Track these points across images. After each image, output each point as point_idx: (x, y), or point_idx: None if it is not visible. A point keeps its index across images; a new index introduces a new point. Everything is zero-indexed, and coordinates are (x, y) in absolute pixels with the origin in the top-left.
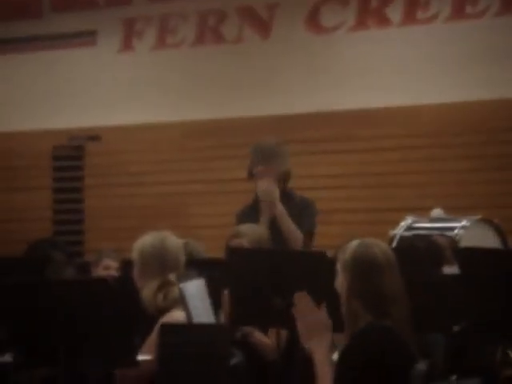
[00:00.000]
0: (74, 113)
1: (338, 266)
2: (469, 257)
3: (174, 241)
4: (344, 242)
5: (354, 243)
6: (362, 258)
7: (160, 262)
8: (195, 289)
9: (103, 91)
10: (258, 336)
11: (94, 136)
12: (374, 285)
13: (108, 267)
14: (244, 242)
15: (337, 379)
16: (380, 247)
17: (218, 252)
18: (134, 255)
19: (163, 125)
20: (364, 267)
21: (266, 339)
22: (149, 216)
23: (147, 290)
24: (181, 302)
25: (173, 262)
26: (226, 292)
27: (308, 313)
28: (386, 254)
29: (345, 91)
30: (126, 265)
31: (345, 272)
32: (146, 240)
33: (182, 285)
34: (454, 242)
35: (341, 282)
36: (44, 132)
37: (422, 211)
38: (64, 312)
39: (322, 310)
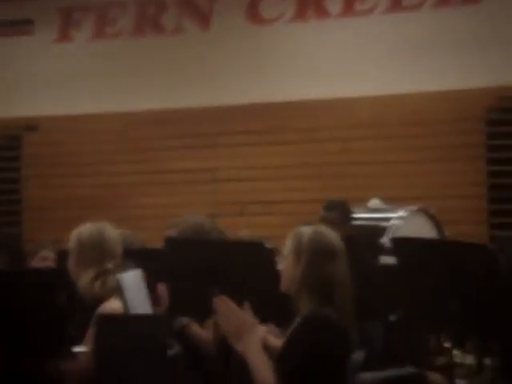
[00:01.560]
0: (11, 102)
1: (287, 252)
2: (404, 246)
3: (111, 230)
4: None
5: (309, 229)
6: (319, 243)
7: (98, 251)
8: (132, 279)
9: (41, 81)
10: (195, 327)
11: (31, 126)
12: (326, 272)
13: (45, 258)
14: (173, 233)
15: (278, 368)
16: (333, 234)
17: (158, 243)
18: (71, 244)
19: (103, 115)
20: (320, 252)
21: (202, 331)
22: (88, 207)
23: (84, 278)
24: (118, 292)
25: (110, 251)
26: (160, 284)
27: (231, 315)
28: (339, 242)
29: (283, 82)
30: (64, 256)
31: (298, 256)
32: (84, 229)
33: (119, 275)
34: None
35: (289, 268)
36: None
37: (361, 202)
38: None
39: (244, 309)
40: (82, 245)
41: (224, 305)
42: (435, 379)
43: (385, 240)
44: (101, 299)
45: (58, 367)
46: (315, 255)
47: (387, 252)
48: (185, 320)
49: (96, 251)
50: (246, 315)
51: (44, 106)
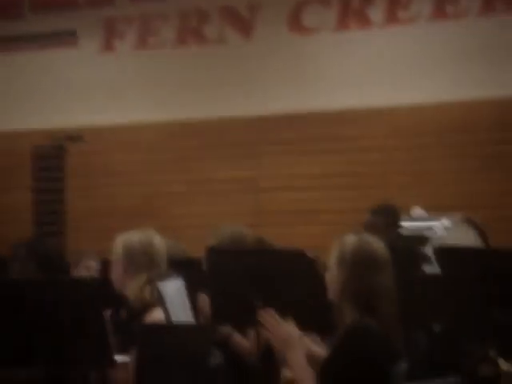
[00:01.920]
0: (55, 113)
1: (332, 261)
2: (448, 256)
3: (159, 238)
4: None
5: (353, 238)
6: (362, 253)
7: (148, 257)
8: (174, 288)
9: (85, 91)
10: (237, 338)
11: (75, 136)
12: (370, 281)
13: (89, 267)
14: (212, 242)
15: (322, 379)
16: (378, 244)
17: (199, 253)
18: (118, 251)
19: (145, 125)
20: (363, 263)
21: (244, 341)
22: (131, 216)
23: (134, 285)
24: (159, 301)
25: (159, 258)
26: (202, 294)
27: (276, 328)
28: (383, 251)
29: (326, 91)
30: (107, 265)
31: (341, 266)
32: (133, 236)
33: (160, 284)
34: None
35: (334, 277)
36: (24, 132)
37: (403, 212)
38: (43, 311)
39: (288, 322)
40: (131, 251)
41: (269, 317)
42: None
43: (428, 249)
44: (150, 306)
45: (101, 376)
46: (358, 265)
47: (431, 261)
48: (227, 330)
49: (146, 257)
50: (290, 327)
51: (88, 116)
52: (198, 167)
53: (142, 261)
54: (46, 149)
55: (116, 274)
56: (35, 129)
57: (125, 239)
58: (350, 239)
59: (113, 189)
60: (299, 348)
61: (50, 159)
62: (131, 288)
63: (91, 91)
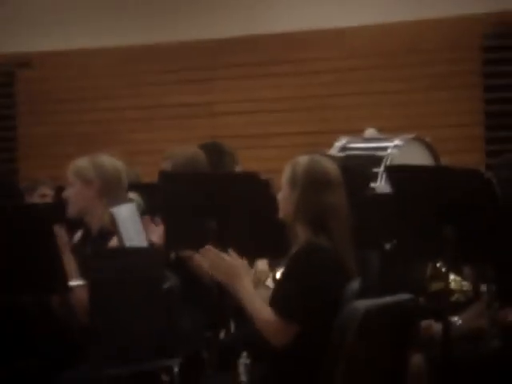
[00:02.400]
0: (2, 38)
1: (284, 182)
2: (398, 174)
3: (120, 163)
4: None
5: (305, 158)
6: (314, 173)
7: (119, 184)
8: (127, 213)
9: (34, 15)
10: (198, 258)
11: (24, 62)
12: (320, 201)
13: (44, 195)
14: (166, 165)
15: (276, 299)
16: (330, 164)
17: (154, 178)
18: (90, 173)
19: (96, 50)
20: (316, 182)
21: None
22: (84, 143)
23: (98, 210)
24: (112, 226)
25: (124, 184)
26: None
27: (219, 263)
28: (335, 170)
29: (278, 13)
30: (60, 192)
31: (294, 187)
32: (106, 160)
33: (113, 209)
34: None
35: (286, 198)
36: None
37: (357, 133)
38: None
39: (231, 254)
40: (106, 174)
41: (210, 254)
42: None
43: (380, 169)
44: (111, 232)
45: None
46: (310, 184)
47: (382, 181)
48: (188, 252)
49: (117, 184)
50: (232, 259)
51: (37, 41)
52: (151, 92)
53: (115, 185)
54: None
55: (83, 197)
56: None
57: (95, 162)
58: (303, 160)
59: (65, 115)
60: (245, 277)
61: (3, 85)
62: (96, 213)
63: (40, 15)
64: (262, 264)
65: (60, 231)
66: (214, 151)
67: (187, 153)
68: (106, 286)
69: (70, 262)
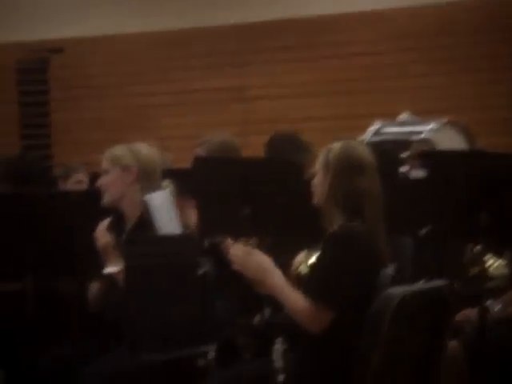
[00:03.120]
0: (35, 25)
1: (318, 167)
2: (433, 159)
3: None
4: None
5: (338, 144)
6: (345, 156)
7: (155, 170)
8: (160, 199)
9: (66, 2)
10: (230, 243)
11: (57, 48)
12: (353, 185)
13: (80, 181)
14: (200, 151)
15: (311, 283)
16: (364, 149)
17: (186, 164)
18: (127, 161)
19: (128, 36)
20: (348, 166)
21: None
22: (116, 129)
23: (136, 196)
24: (146, 213)
25: (159, 170)
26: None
27: (246, 260)
28: (369, 155)
29: None
30: (95, 178)
31: (327, 171)
32: (142, 147)
33: (147, 195)
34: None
35: (320, 182)
36: (7, 45)
37: (390, 117)
38: (32, 225)
39: (254, 250)
40: (144, 161)
41: (238, 252)
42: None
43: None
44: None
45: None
46: (343, 169)
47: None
48: (219, 238)
49: (153, 170)
50: (258, 255)
51: (70, 26)
52: (183, 77)
53: (151, 171)
54: (29, 62)
55: (121, 184)
56: (18, 42)
57: (133, 149)
58: (336, 145)
59: (97, 101)
60: (274, 270)
61: (34, 72)
62: (135, 200)
63: (72, 2)
64: (300, 256)
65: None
66: (292, 143)
67: (221, 139)
68: (141, 272)
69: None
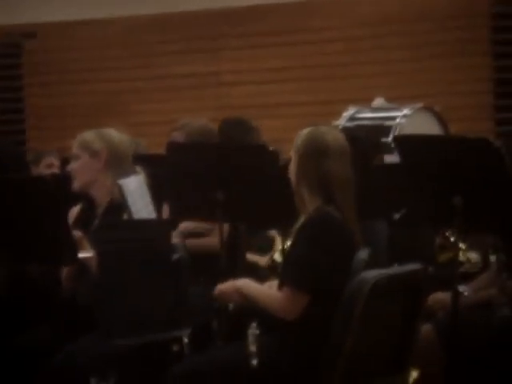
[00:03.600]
0: (8, 9)
1: (291, 152)
2: (406, 144)
3: (124, 136)
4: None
5: (308, 129)
6: (311, 140)
7: (126, 155)
8: (135, 184)
9: None
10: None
11: (30, 33)
12: (320, 168)
13: (50, 165)
14: (179, 136)
15: (286, 268)
16: (332, 133)
17: (162, 148)
18: (97, 145)
19: (104, 20)
20: (312, 149)
21: (207, 239)
22: (91, 114)
23: (105, 182)
24: (120, 197)
25: (130, 156)
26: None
27: (225, 291)
28: (337, 140)
29: None
30: (67, 163)
31: (296, 156)
32: (112, 132)
33: (121, 181)
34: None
35: (292, 168)
36: None
37: (366, 102)
38: (3, 209)
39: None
40: (114, 146)
41: (223, 293)
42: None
43: (389, 139)
44: (120, 205)
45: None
46: (308, 152)
47: (391, 151)
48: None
49: (123, 155)
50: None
51: (44, 11)
52: (159, 62)
53: (122, 156)
54: (2, 47)
55: (90, 169)
56: None
57: (102, 134)
58: (305, 130)
59: (72, 86)
60: (245, 282)
61: (7, 57)
62: (105, 185)
63: None
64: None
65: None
66: (241, 127)
67: (201, 124)
68: (115, 257)
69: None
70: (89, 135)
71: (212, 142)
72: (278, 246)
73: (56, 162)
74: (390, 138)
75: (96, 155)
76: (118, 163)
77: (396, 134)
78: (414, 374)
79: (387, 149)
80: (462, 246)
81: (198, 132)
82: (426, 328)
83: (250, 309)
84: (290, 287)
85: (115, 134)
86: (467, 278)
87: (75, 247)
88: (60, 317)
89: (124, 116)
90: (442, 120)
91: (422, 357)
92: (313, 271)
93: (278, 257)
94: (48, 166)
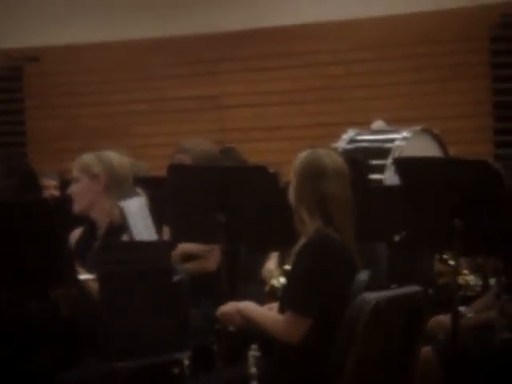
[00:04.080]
0: (10, 33)
1: (290, 174)
2: (406, 166)
3: (124, 158)
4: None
5: (306, 151)
6: (309, 163)
7: (125, 177)
8: (136, 206)
9: (41, 11)
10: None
11: (32, 57)
12: (318, 190)
13: (47, 187)
14: (185, 158)
15: (287, 291)
16: (330, 155)
17: (163, 171)
18: (96, 168)
19: (104, 44)
20: (310, 172)
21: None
22: (92, 137)
23: (106, 205)
24: (122, 219)
25: (130, 178)
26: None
27: (227, 314)
28: (335, 162)
29: (285, 5)
30: (67, 186)
31: (294, 178)
32: (111, 154)
33: (122, 203)
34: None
35: (291, 190)
36: None
37: (365, 125)
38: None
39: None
40: (112, 168)
41: (225, 314)
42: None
43: (389, 161)
44: (121, 227)
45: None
46: (305, 174)
47: (390, 173)
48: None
49: (124, 180)
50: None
51: (45, 35)
52: (160, 86)
53: (122, 178)
54: (2, 70)
55: (90, 192)
56: None
57: (101, 157)
58: (303, 153)
59: (74, 110)
60: (245, 303)
61: (8, 80)
62: (104, 208)
63: (48, 11)
64: (270, 263)
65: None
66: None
67: (206, 148)
68: (115, 279)
69: None
70: (88, 158)
71: (213, 165)
72: (276, 272)
73: (53, 182)
74: (389, 160)
75: (95, 178)
76: (118, 185)
77: (395, 156)
78: None
79: (379, 170)
80: (460, 269)
81: (205, 155)
82: (425, 350)
83: (250, 331)
84: (292, 311)
85: (115, 157)
86: (466, 300)
87: (75, 269)
88: (60, 342)
89: (124, 138)
90: (441, 142)
91: (421, 379)
92: (314, 295)
93: (276, 282)
94: (45, 187)
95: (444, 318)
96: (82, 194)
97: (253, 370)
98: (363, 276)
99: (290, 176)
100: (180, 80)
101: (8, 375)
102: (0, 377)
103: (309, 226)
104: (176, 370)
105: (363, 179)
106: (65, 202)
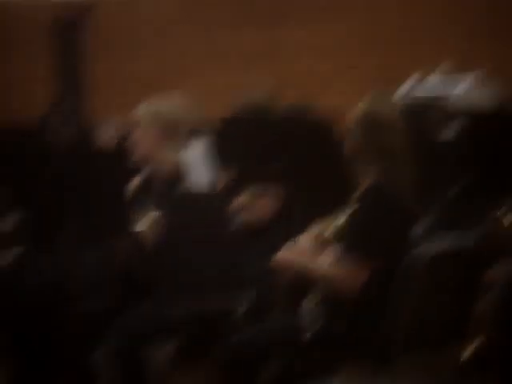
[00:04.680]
0: None
1: (348, 124)
2: (466, 118)
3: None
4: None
5: (362, 103)
6: (368, 114)
7: (183, 125)
8: (195, 152)
9: None
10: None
11: (89, 7)
12: (377, 141)
13: (106, 137)
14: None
15: (347, 236)
16: (390, 107)
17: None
18: (155, 118)
19: None
20: (369, 123)
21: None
22: (153, 87)
23: (170, 150)
24: (181, 167)
25: (187, 126)
26: None
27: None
28: (393, 113)
29: None
30: (128, 134)
31: (352, 129)
32: (170, 103)
33: (181, 149)
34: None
35: (347, 141)
36: (43, 4)
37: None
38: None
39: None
40: (172, 120)
41: (283, 262)
42: None
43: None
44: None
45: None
46: (364, 126)
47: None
48: None
49: (178, 125)
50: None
51: None
52: (223, 34)
53: (178, 127)
54: (64, 21)
55: (149, 141)
56: (54, 1)
57: (160, 106)
58: (360, 104)
59: (135, 60)
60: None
61: (69, 32)
62: (161, 156)
63: None
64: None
65: None
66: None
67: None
68: (174, 227)
69: None
70: (146, 108)
71: (267, 117)
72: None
73: (114, 133)
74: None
75: (153, 127)
76: (174, 133)
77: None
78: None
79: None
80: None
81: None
82: (481, 303)
83: (307, 280)
84: (353, 261)
85: (172, 104)
86: None
87: (130, 219)
88: (115, 290)
89: (183, 89)
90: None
91: (478, 329)
92: (375, 242)
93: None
94: (104, 137)
95: (500, 269)
96: (141, 143)
97: (305, 320)
98: (419, 227)
99: (347, 126)
100: (239, 30)
101: (65, 318)
102: (57, 319)
103: (364, 176)
104: (233, 317)
105: (424, 131)
106: (122, 152)
